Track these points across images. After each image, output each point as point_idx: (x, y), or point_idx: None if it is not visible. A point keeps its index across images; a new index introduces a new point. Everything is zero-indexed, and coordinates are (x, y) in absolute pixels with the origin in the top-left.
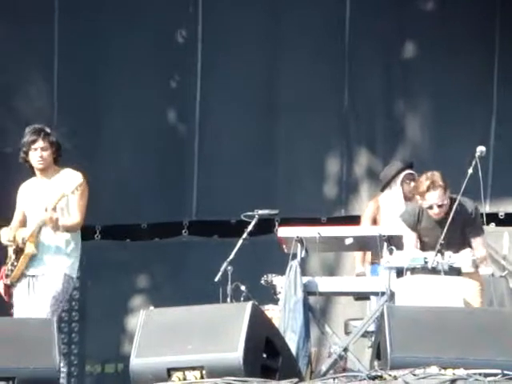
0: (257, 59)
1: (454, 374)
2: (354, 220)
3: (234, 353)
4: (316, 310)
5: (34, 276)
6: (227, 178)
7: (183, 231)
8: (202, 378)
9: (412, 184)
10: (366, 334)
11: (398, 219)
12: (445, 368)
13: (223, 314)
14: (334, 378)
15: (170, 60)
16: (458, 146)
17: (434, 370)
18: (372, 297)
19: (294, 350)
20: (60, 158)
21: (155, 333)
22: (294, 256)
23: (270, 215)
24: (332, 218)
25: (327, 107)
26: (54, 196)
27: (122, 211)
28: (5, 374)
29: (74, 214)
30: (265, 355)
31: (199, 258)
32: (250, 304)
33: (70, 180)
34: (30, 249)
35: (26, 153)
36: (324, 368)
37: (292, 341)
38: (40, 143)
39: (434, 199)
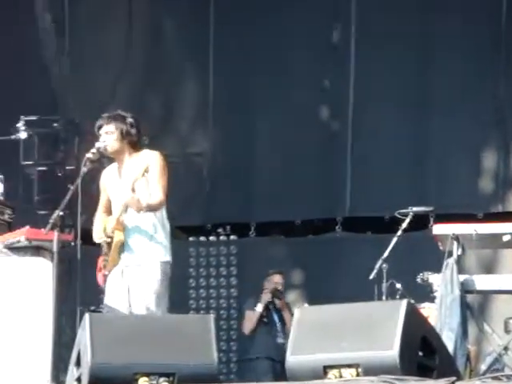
0: (409, 56)
1: None
2: None
3: (390, 351)
4: (474, 308)
5: (127, 266)
6: (381, 174)
7: (337, 227)
8: (357, 375)
9: None
10: None
11: None
12: None
13: (378, 311)
14: (493, 378)
15: (323, 57)
16: None
17: None
18: None
19: (451, 348)
20: (139, 143)
21: (310, 330)
22: (450, 253)
23: (425, 212)
24: (489, 213)
25: (482, 100)
26: (130, 178)
27: (277, 208)
28: (166, 369)
29: (154, 193)
30: (421, 353)
31: (353, 254)
32: (405, 302)
33: (143, 161)
34: (118, 237)
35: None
36: (484, 367)
37: (449, 339)
38: (104, 128)
39: None
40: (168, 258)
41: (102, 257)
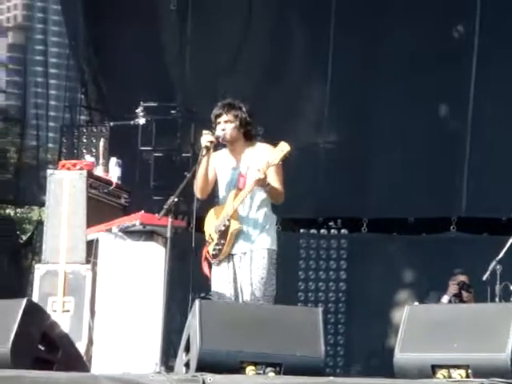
0: None
1: None
2: None
3: (502, 354)
4: None
5: (234, 254)
6: (499, 174)
7: (451, 227)
8: (467, 376)
9: None
10: None
11: None
12: None
13: (491, 313)
14: None
15: (444, 54)
16: None
17: None
18: None
19: None
20: (252, 135)
21: (420, 329)
22: None
23: None
24: None
25: None
26: (256, 164)
27: (390, 204)
28: (273, 359)
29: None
30: None
31: (467, 255)
32: None
33: (260, 155)
34: (234, 226)
35: (215, 128)
36: None
37: None
38: (224, 117)
39: None
40: (275, 247)
41: (208, 246)
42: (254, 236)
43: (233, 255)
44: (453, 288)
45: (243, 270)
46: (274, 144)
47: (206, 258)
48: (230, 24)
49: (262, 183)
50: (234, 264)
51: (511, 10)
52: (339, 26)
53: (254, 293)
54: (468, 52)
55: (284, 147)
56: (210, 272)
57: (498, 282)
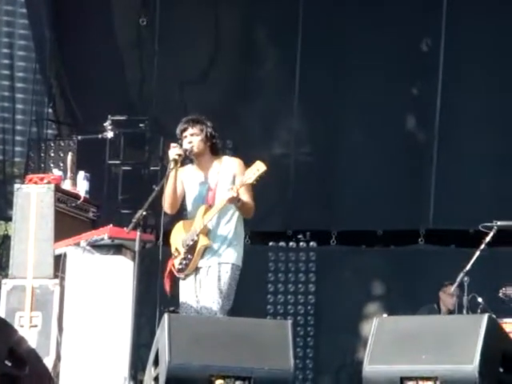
0: (501, 70)
1: None
2: None
3: (470, 365)
4: None
5: (200, 268)
6: (466, 186)
7: (419, 239)
8: None
9: None
10: None
11: None
12: None
13: (459, 325)
14: None
15: (412, 67)
16: None
17: None
18: None
19: None
20: (218, 150)
21: (388, 341)
22: None
23: (510, 226)
24: None
25: None
26: (224, 179)
27: (359, 217)
28: (242, 373)
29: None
30: (501, 369)
31: (435, 267)
32: (486, 316)
33: (229, 169)
34: (203, 241)
35: (181, 144)
36: None
37: None
38: (190, 130)
39: None
40: (240, 263)
41: (174, 260)
42: (221, 250)
43: (199, 268)
44: (448, 301)
45: (206, 282)
46: (244, 159)
47: (171, 272)
48: (198, 38)
49: (235, 201)
50: (200, 277)
51: (475, 24)
52: (306, 41)
53: (212, 306)
54: (434, 66)
55: (260, 166)
56: (171, 288)
57: (465, 294)
